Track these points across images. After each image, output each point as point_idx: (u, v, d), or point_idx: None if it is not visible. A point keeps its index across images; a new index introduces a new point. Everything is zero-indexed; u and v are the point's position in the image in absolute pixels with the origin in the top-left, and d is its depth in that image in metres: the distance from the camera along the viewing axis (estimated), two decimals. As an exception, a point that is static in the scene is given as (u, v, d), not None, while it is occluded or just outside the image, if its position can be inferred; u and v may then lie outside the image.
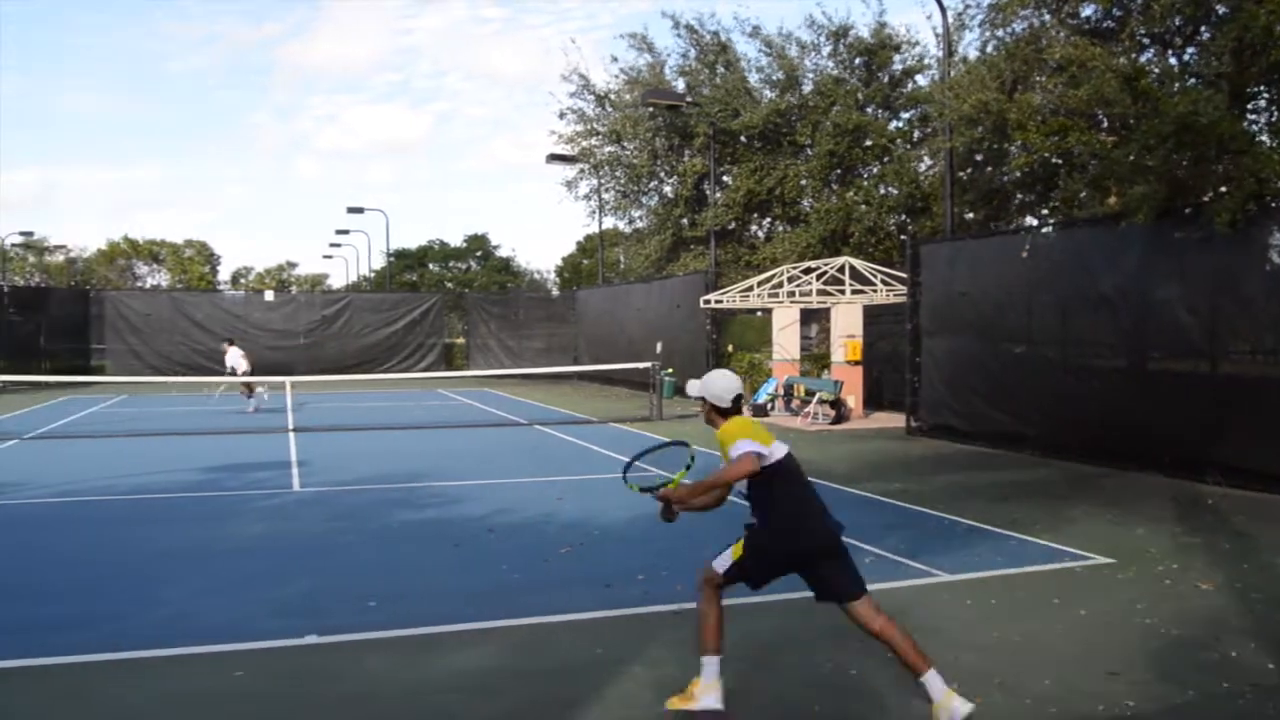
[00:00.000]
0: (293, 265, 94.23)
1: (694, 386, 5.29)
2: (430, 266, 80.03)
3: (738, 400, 5.20)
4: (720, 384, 5.20)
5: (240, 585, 7.56)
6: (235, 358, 23.57)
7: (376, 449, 16.16)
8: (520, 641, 6.11)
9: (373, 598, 7.02)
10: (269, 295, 39.16)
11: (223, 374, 23.48)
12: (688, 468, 5.16)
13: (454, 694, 5.23)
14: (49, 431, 18.74)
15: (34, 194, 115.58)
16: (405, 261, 76.80)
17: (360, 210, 49.00)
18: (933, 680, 4.65)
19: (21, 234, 68.39)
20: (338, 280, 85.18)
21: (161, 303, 37.07)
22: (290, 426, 18.62)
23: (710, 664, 4.90)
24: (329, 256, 68.53)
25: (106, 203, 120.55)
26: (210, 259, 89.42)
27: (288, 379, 23.80)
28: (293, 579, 7.72)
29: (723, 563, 5.06)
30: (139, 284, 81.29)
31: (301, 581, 7.64)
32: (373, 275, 68.91)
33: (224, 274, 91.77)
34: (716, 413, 5.18)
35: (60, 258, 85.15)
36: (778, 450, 5.02)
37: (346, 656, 5.82)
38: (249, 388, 23.18)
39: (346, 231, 57.86)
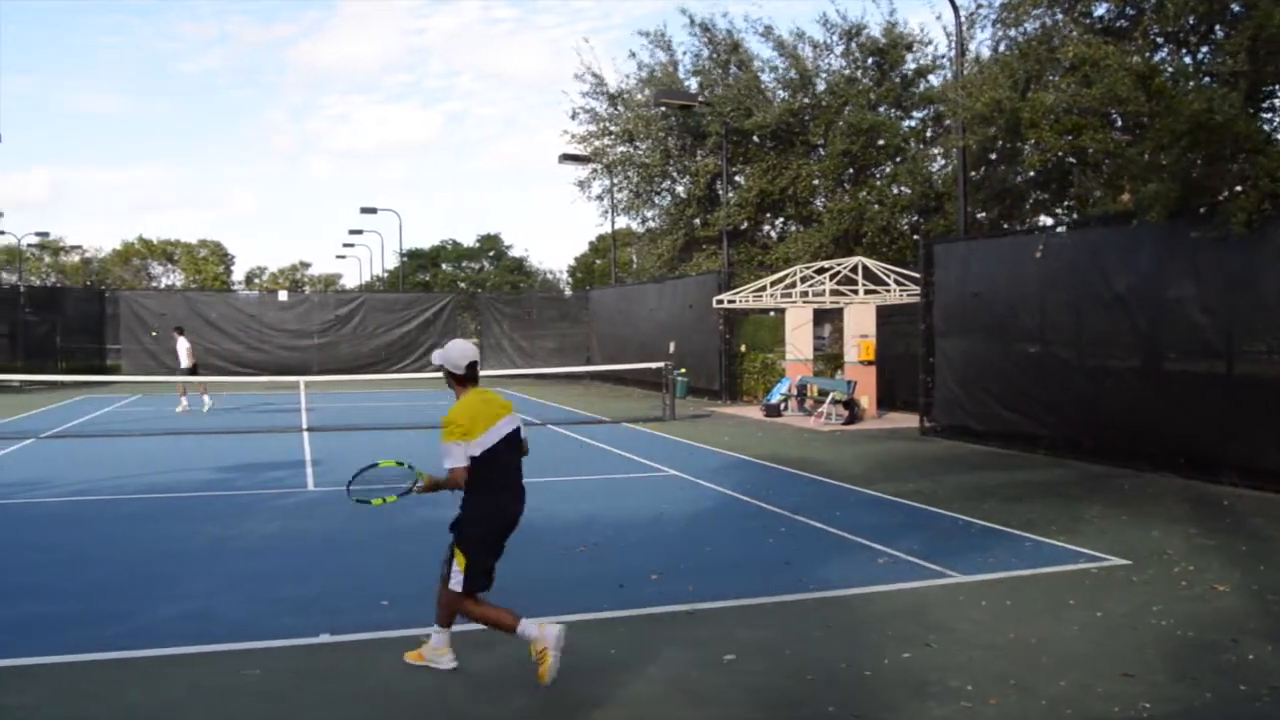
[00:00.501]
0: (306, 265, 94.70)
1: (436, 356, 5.65)
2: (443, 266, 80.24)
3: (472, 367, 5.57)
4: (457, 351, 5.60)
5: (254, 584, 7.58)
6: (183, 351, 23.41)
7: (390, 448, 16.20)
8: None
9: (385, 597, 7.04)
10: (283, 295, 39.24)
11: (250, 374, 23.57)
12: (407, 492, 5.72)
13: (467, 695, 5.25)
14: (65, 430, 18.83)
15: (46, 194, 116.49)
16: (418, 261, 77.03)
17: (373, 210, 49.16)
18: (527, 627, 5.26)
19: (37, 234, 68.78)
20: (351, 280, 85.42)
21: (176, 303, 37.20)
22: (304, 426, 18.68)
23: (528, 625, 5.29)
24: (342, 256, 68.92)
25: (119, 203, 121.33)
26: (224, 259, 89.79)
27: (301, 379, 23.86)
28: (306, 578, 7.75)
29: (458, 582, 5.40)
30: (153, 284, 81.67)
31: (315, 581, 7.67)
32: (386, 275, 69.15)
33: (238, 274, 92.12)
34: (455, 380, 5.60)
35: (76, 258, 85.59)
36: (490, 437, 5.41)
37: (360, 656, 5.84)
38: (185, 387, 22.97)
39: (360, 231, 58.05)
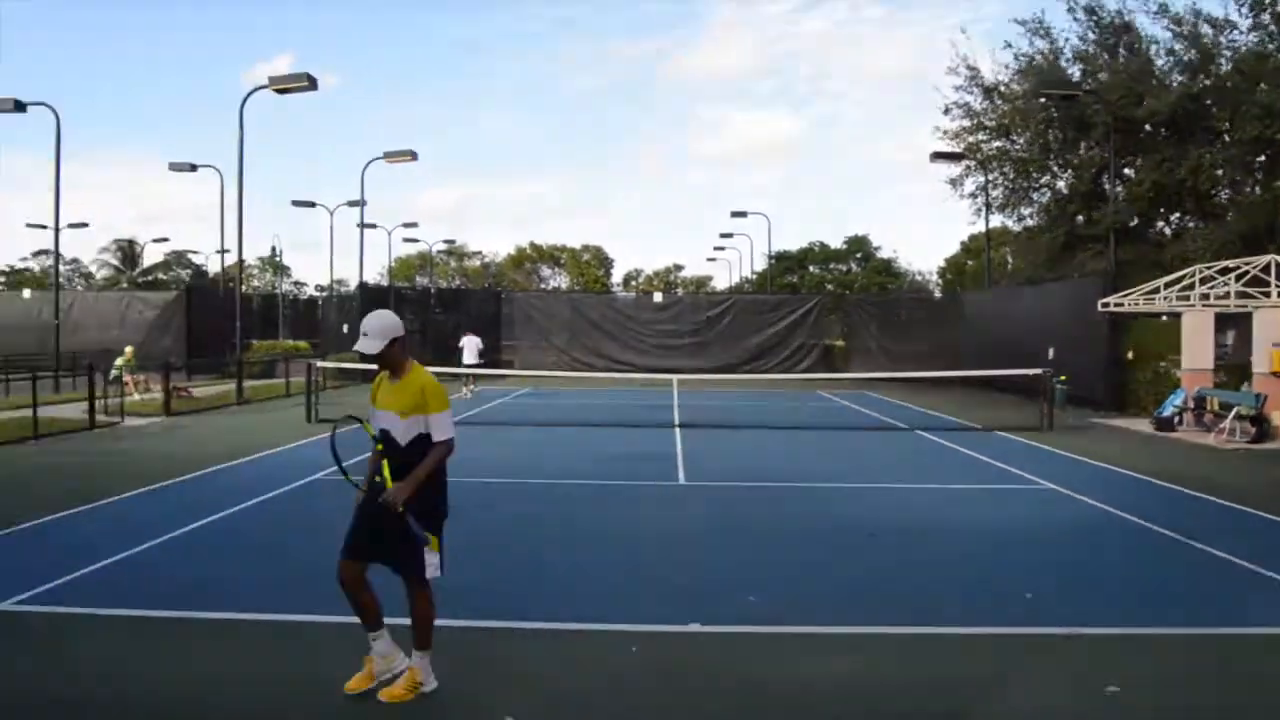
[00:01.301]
0: (679, 268, 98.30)
1: (374, 330, 5.11)
2: (810, 268, 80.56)
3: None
4: (391, 318, 5.20)
5: (626, 569, 8.04)
6: (467, 343, 27.70)
7: (757, 446, 16.54)
8: (901, 649, 6.05)
9: (753, 592, 7.22)
10: (657, 297, 41.13)
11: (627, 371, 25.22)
12: (376, 440, 5.39)
13: (834, 698, 5.26)
14: (465, 419, 20.81)
15: (455, 207, 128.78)
16: (785, 264, 77.76)
17: (743, 214, 50.24)
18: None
19: (445, 241, 76.35)
20: (721, 282, 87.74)
21: (561, 304, 40.01)
22: (676, 422, 19.48)
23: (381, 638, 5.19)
24: (713, 259, 70.72)
25: (514, 213, 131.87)
26: (605, 262, 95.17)
27: (674, 377, 24.88)
28: (676, 568, 8.10)
29: (435, 566, 5.12)
30: (542, 286, 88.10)
31: (685, 571, 7.99)
32: (754, 277, 70.40)
33: (616, 276, 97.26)
34: (401, 348, 5.17)
35: (477, 262, 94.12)
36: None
37: (728, 648, 6.03)
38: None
39: (730, 235, 59.42)
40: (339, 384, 29.32)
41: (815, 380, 32.00)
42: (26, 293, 44.89)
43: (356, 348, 5.23)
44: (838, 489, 12.27)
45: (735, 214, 50.26)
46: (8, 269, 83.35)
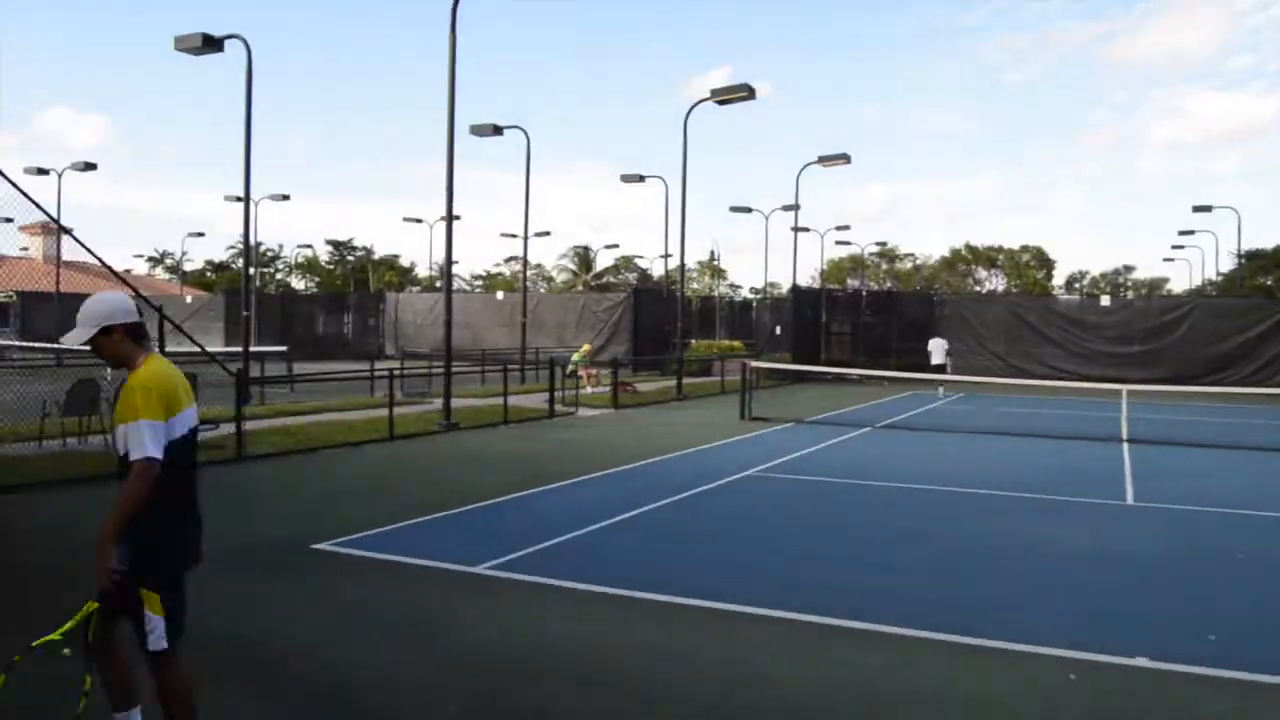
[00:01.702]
0: (1129, 269, 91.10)
1: (78, 332, 4.00)
2: (1291, 269, 71.15)
3: (142, 324, 4.05)
4: (115, 300, 4.02)
5: (1069, 591, 7.60)
6: (935, 348, 28.93)
7: (1218, 468, 14.94)
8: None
9: (1213, 631, 6.56)
10: (1105, 300, 38.27)
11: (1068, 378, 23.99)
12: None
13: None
14: (896, 423, 20.63)
15: (882, 207, 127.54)
16: (1259, 263, 69.31)
17: (1206, 209, 45.44)
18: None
19: (876, 243, 75.97)
20: (1179, 284, 79.97)
21: (997, 306, 38.40)
22: (1124, 436, 18.06)
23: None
24: (1170, 259, 64.79)
25: (945, 211, 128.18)
26: (1046, 263, 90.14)
27: (1123, 387, 23.05)
28: (1124, 594, 7.55)
29: (160, 638, 3.95)
30: (977, 288, 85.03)
31: (1132, 598, 7.43)
32: (1219, 279, 63.45)
33: (1058, 278, 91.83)
34: (130, 337, 4.00)
35: (908, 264, 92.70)
36: (184, 422, 3.99)
37: (1181, 688, 5.54)
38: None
39: (1190, 232, 53.99)
40: (773, 384, 30.15)
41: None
42: (499, 295, 50.49)
43: (63, 339, 4.27)
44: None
45: (1197, 209, 45.50)
46: (484, 274, 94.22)
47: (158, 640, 3.95)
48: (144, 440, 3.78)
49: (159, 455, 3.80)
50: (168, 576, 4.01)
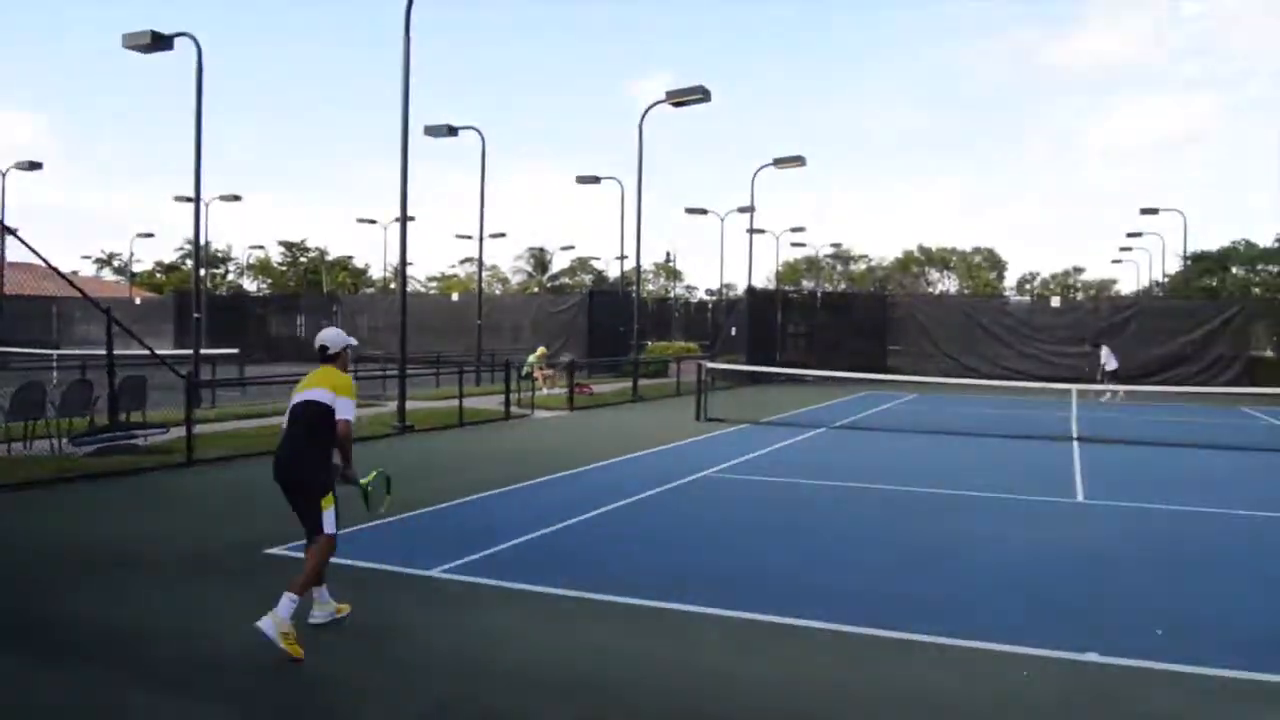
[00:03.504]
0: (1079, 271, 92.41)
1: (346, 340, 6.57)
2: (1233, 270, 72.58)
3: (321, 351, 6.46)
4: (317, 339, 6.57)
5: (1021, 588, 7.69)
6: (1107, 356, 30.09)
7: (1166, 465, 15.21)
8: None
9: (1159, 625, 6.68)
10: (1055, 302, 38.81)
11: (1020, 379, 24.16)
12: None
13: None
14: (851, 423, 20.79)
15: (841, 211, 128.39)
16: (1203, 265, 70.63)
17: (1153, 211, 46.21)
18: (287, 602, 5.73)
19: (831, 245, 76.54)
20: (1127, 286, 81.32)
21: (950, 308, 38.82)
22: (1074, 435, 18.32)
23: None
24: (1118, 261, 65.48)
25: (899, 213, 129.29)
26: (997, 265, 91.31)
27: (1073, 387, 23.41)
28: (1073, 591, 7.66)
29: (332, 522, 6.14)
30: (930, 289, 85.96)
31: (1082, 595, 7.54)
32: (1165, 281, 64.55)
33: (1010, 280, 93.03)
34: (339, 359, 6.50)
35: (863, 266, 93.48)
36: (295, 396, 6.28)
37: (1129, 684, 5.62)
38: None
39: (1138, 234, 54.88)
40: (728, 384, 30.24)
41: (1238, 395, 28.83)
42: (454, 296, 50.23)
43: (330, 337, 6.56)
44: (1267, 518, 11.00)
45: (1144, 211, 46.25)
46: (439, 275, 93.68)
47: (330, 524, 6.12)
48: (352, 410, 6.21)
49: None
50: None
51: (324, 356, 6.41)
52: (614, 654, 5.98)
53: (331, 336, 6.51)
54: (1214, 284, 68.06)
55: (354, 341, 6.69)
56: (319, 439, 6.13)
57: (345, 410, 6.15)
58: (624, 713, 5.14)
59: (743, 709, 5.19)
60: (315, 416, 6.12)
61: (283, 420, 6.35)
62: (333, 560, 6.32)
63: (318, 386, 6.19)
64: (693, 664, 5.81)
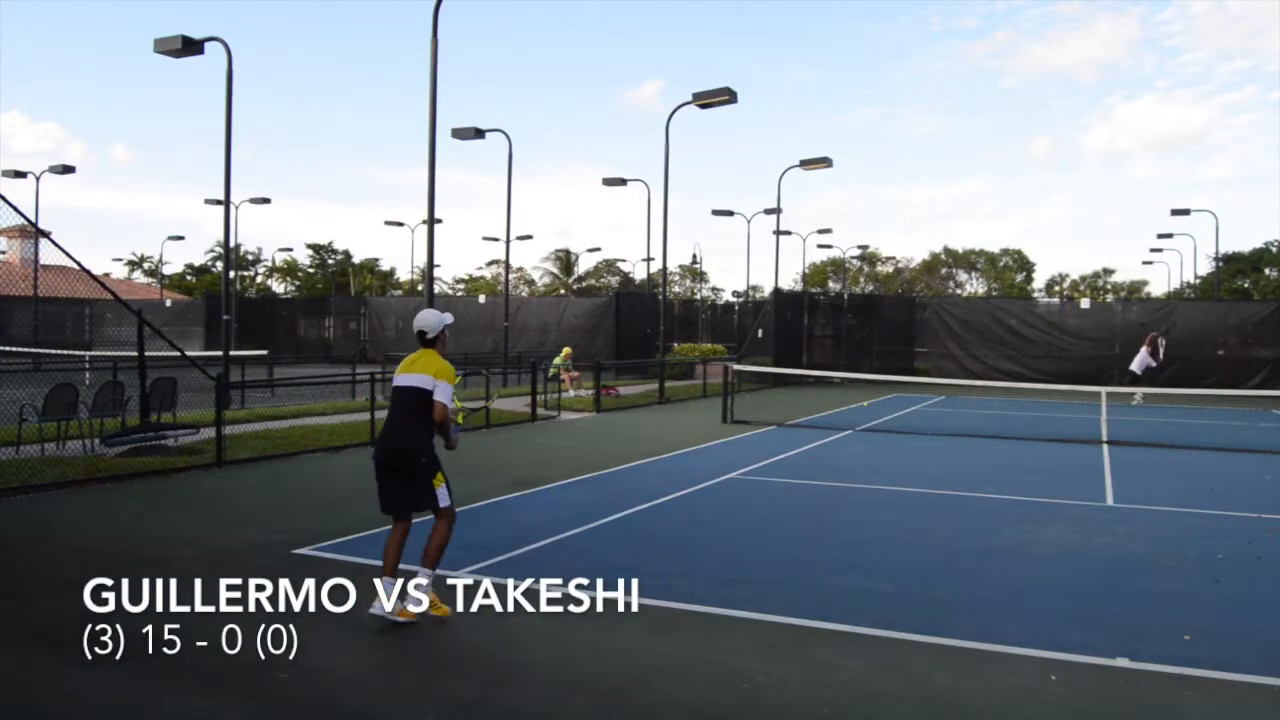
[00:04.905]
0: (1109, 272, 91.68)
1: (442, 320, 6.75)
2: (1266, 272, 71.84)
3: (420, 336, 6.70)
4: (414, 322, 6.77)
5: (1048, 592, 7.64)
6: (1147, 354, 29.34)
7: (1197, 470, 15.04)
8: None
9: (1189, 630, 6.61)
10: (1085, 303, 38.50)
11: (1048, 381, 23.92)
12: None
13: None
14: (877, 425, 20.69)
15: (867, 212, 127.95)
16: (1236, 266, 69.95)
17: (1184, 212, 45.74)
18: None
19: (859, 247, 76.21)
20: (1158, 288, 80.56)
21: (978, 309, 38.59)
22: (1104, 438, 18.17)
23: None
24: (1149, 263, 64.79)
25: (930, 216, 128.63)
26: (1026, 266, 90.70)
27: (1103, 389, 23.18)
28: (1102, 596, 7.59)
29: (446, 496, 6.57)
30: (957, 291, 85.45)
31: (1112, 600, 7.48)
32: (1197, 282, 63.89)
33: (1038, 281, 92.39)
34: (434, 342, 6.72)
35: (889, 268, 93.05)
36: (395, 382, 6.58)
37: (1159, 690, 5.57)
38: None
39: (1169, 235, 54.35)
40: (755, 387, 30.16)
41: (1271, 398, 28.48)
42: (481, 298, 50.40)
43: (424, 321, 6.78)
44: (1297, 522, 10.86)
45: (1175, 212, 45.81)
46: (466, 277, 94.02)
47: (445, 499, 6.55)
48: (449, 394, 6.51)
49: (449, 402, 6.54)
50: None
51: (423, 341, 6.65)
52: (640, 656, 5.99)
53: (430, 320, 6.69)
54: (1246, 285, 67.34)
55: (449, 319, 6.84)
56: (423, 423, 6.43)
57: (443, 394, 6.45)
58: (649, 715, 5.14)
59: (770, 712, 5.18)
60: (416, 401, 6.42)
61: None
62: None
63: (420, 372, 6.48)
64: (719, 666, 5.80)
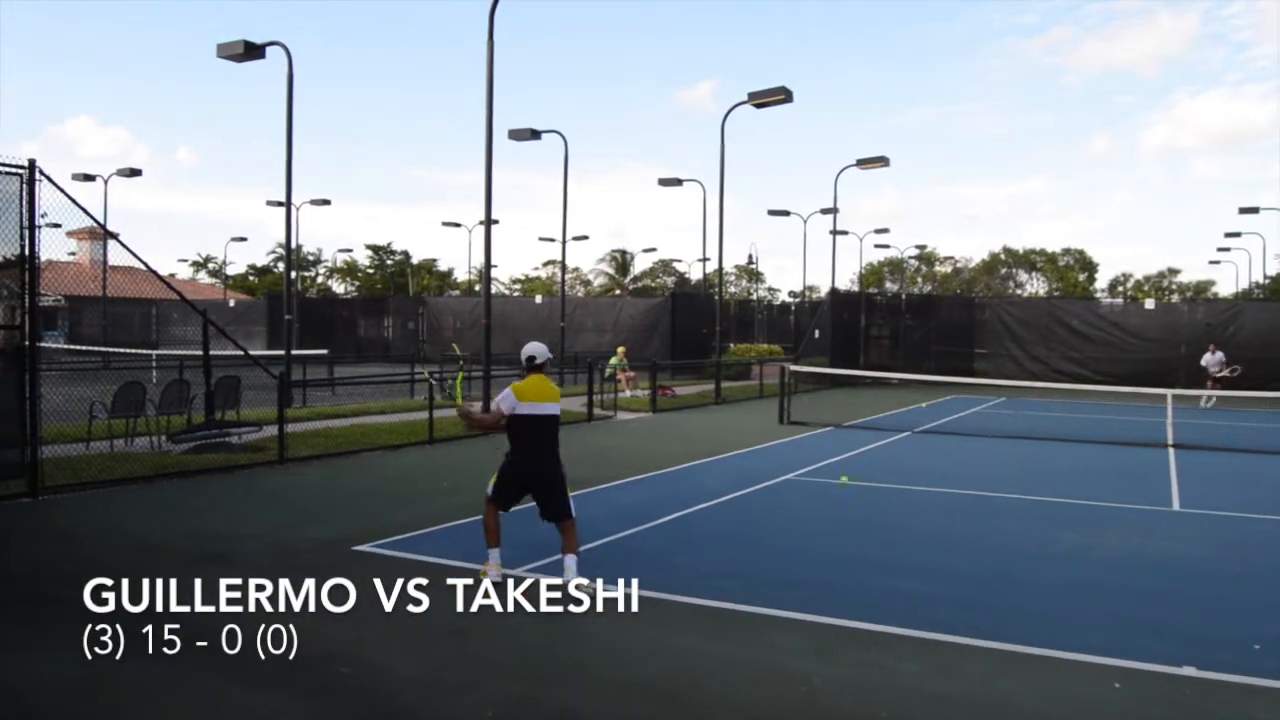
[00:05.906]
0: (1175, 272, 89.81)
1: (545, 350, 7.68)
2: (1341, 270, 69.89)
3: (530, 361, 7.54)
4: (527, 350, 7.60)
5: (1114, 598, 7.50)
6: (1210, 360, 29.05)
7: (1266, 475, 14.67)
8: None
9: (1259, 640, 6.45)
10: (1149, 304, 37.75)
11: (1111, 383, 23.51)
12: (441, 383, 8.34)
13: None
14: (936, 427, 20.46)
15: (924, 212, 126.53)
16: (1308, 265, 68.08)
17: (1253, 210, 44.68)
18: (569, 561, 7.22)
19: (916, 247, 75.44)
20: (1225, 288, 78.76)
21: (1038, 310, 37.99)
22: (1170, 442, 17.80)
23: (493, 553, 7.40)
24: (1216, 262, 63.33)
25: (986, 214, 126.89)
26: (1087, 266, 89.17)
27: (1168, 392, 22.74)
28: (1168, 602, 7.45)
29: (490, 486, 7.43)
30: (1017, 291, 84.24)
31: (1178, 607, 7.34)
32: (1267, 281, 62.34)
33: (1101, 281, 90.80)
34: (524, 367, 7.58)
35: (948, 268, 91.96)
36: (530, 408, 7.30)
37: (1226, 700, 5.45)
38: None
39: (1237, 234, 53.10)
40: (811, 387, 29.98)
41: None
42: (538, 298, 50.66)
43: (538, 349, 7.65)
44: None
45: (1244, 210, 44.77)
46: (523, 277, 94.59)
47: (488, 488, 7.46)
48: (501, 401, 7.40)
49: (506, 411, 7.34)
50: (506, 475, 7.44)
51: (532, 366, 7.52)
52: (694, 656, 5.98)
53: (541, 350, 7.62)
54: (1318, 285, 65.52)
55: (551, 356, 7.87)
56: (558, 442, 7.54)
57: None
58: (703, 716, 5.14)
59: (824, 716, 5.15)
60: (556, 425, 7.46)
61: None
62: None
63: (554, 401, 7.47)
64: (774, 668, 5.78)
